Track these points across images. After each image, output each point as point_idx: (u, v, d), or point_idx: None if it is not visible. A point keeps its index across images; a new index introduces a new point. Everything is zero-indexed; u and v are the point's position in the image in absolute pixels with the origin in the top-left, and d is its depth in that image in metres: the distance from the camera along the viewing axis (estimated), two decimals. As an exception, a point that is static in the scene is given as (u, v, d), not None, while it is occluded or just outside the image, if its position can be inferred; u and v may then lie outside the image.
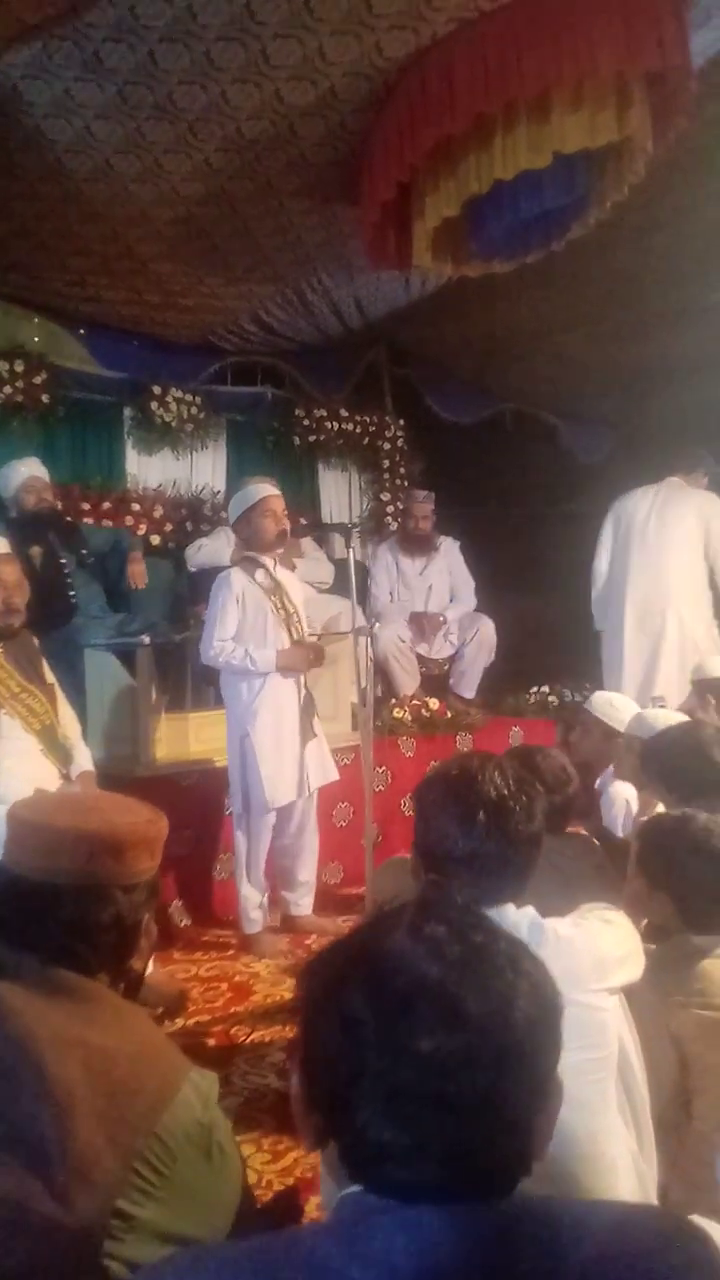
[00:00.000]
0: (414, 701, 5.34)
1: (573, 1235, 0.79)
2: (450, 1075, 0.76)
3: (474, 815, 1.53)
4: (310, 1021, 0.84)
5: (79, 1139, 1.04)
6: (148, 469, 6.03)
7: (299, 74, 3.55)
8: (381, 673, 5.51)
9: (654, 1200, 1.58)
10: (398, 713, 5.17)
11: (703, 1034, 1.75)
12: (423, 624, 5.66)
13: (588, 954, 1.51)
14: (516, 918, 1.52)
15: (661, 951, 1.89)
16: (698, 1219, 1.55)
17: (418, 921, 0.84)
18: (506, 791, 1.56)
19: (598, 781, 3.72)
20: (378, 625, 4.32)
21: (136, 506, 5.77)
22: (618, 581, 5.31)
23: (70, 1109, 1.06)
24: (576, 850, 2.41)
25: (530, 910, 1.55)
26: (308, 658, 3.89)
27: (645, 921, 2.02)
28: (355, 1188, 0.80)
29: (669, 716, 2.96)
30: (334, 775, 4.04)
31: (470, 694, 5.72)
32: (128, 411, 5.96)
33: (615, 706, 3.53)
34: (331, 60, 3.49)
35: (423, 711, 5.24)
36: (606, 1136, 1.45)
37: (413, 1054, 0.76)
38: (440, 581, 5.93)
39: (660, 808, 2.83)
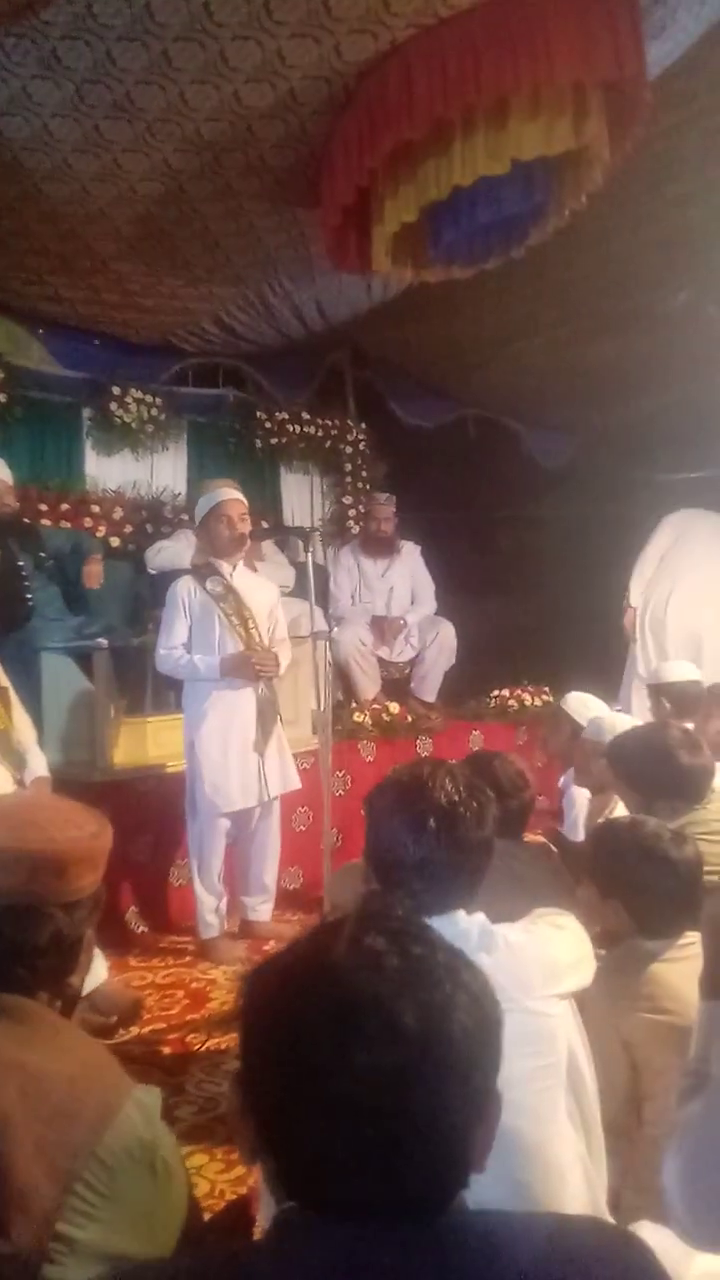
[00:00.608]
0: (374, 705, 5.35)
1: (509, 1248, 0.79)
2: (387, 1089, 0.75)
3: (424, 822, 1.53)
4: (248, 1033, 0.83)
5: (16, 1169, 1.02)
6: (107, 470, 5.97)
7: (258, 76, 3.54)
8: (342, 676, 5.51)
9: (604, 1206, 1.58)
10: (358, 716, 5.17)
11: (653, 1038, 1.76)
12: (384, 628, 5.66)
13: (537, 960, 1.51)
14: (467, 924, 1.52)
15: (612, 956, 1.90)
16: (648, 1225, 1.56)
17: (357, 934, 0.83)
18: (457, 798, 1.56)
19: (560, 780, 3.75)
20: (336, 629, 4.31)
21: (96, 508, 5.70)
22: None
23: (6, 1138, 1.03)
24: (532, 855, 2.41)
25: (480, 917, 1.55)
26: (252, 665, 3.82)
27: (598, 929, 2.03)
28: (290, 1204, 0.79)
29: (625, 721, 2.98)
30: (296, 783, 4.03)
31: (431, 698, 5.73)
32: (87, 412, 5.90)
33: (588, 706, 3.55)
34: (290, 63, 3.48)
35: (383, 715, 5.25)
36: (555, 1143, 1.45)
37: (349, 1067, 0.75)
38: (401, 584, 5.95)
39: (618, 811, 2.86)
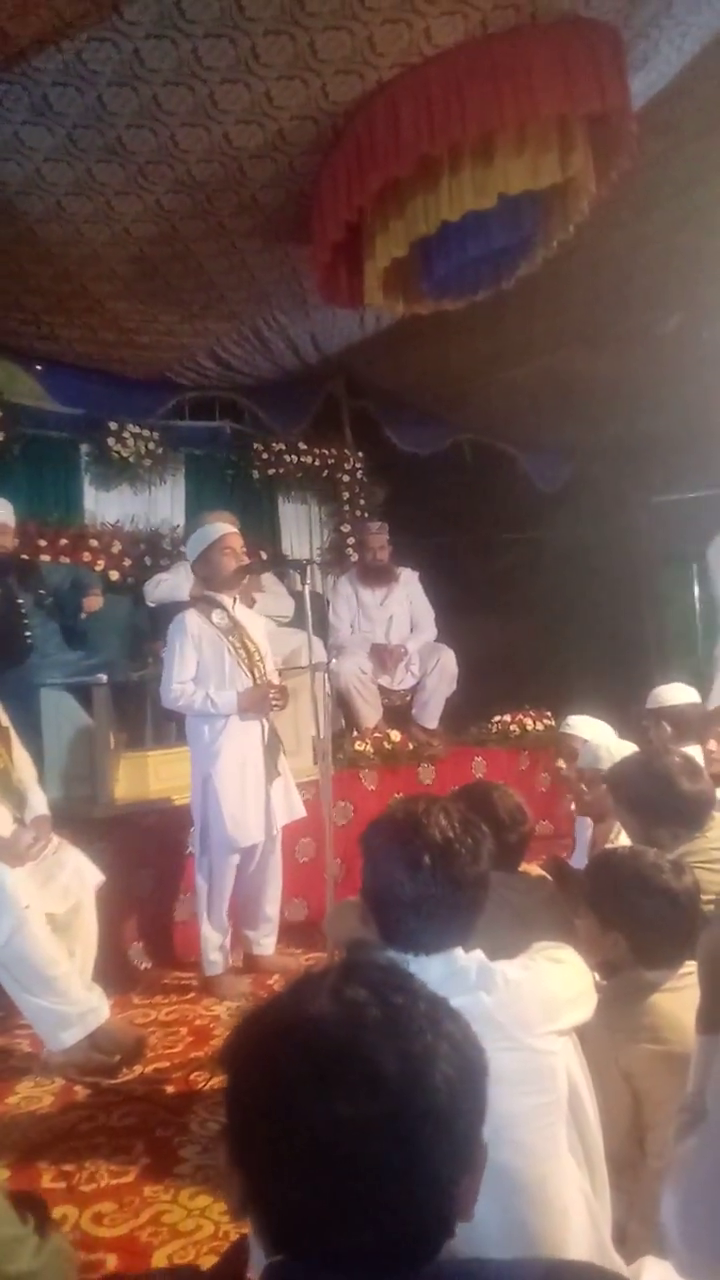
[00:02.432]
0: (376, 733, 5.34)
1: None
2: (370, 1140, 0.76)
3: (419, 859, 1.53)
4: (233, 1087, 0.84)
5: None
6: (106, 505, 6.02)
7: (247, 118, 3.60)
8: (344, 705, 5.51)
9: (608, 1241, 1.57)
10: (359, 745, 5.16)
11: (654, 1069, 1.75)
12: (384, 656, 5.67)
13: (536, 997, 1.51)
14: (465, 962, 1.52)
15: (612, 987, 1.90)
16: (651, 1259, 1.55)
17: (339, 985, 0.83)
18: (452, 834, 1.56)
19: (573, 806, 3.74)
20: (335, 660, 4.31)
21: (94, 543, 5.74)
22: None
23: None
24: (529, 886, 2.41)
25: (478, 954, 1.55)
26: (269, 699, 3.86)
27: (597, 960, 2.02)
28: (278, 1257, 0.80)
29: (624, 748, 2.98)
30: (300, 812, 4.02)
31: (433, 724, 5.73)
32: (85, 448, 5.96)
33: (591, 730, 3.54)
34: (279, 104, 3.54)
35: (384, 744, 5.24)
36: (557, 1181, 1.45)
37: (331, 1119, 0.76)
38: (401, 612, 5.95)
39: (621, 838, 2.85)
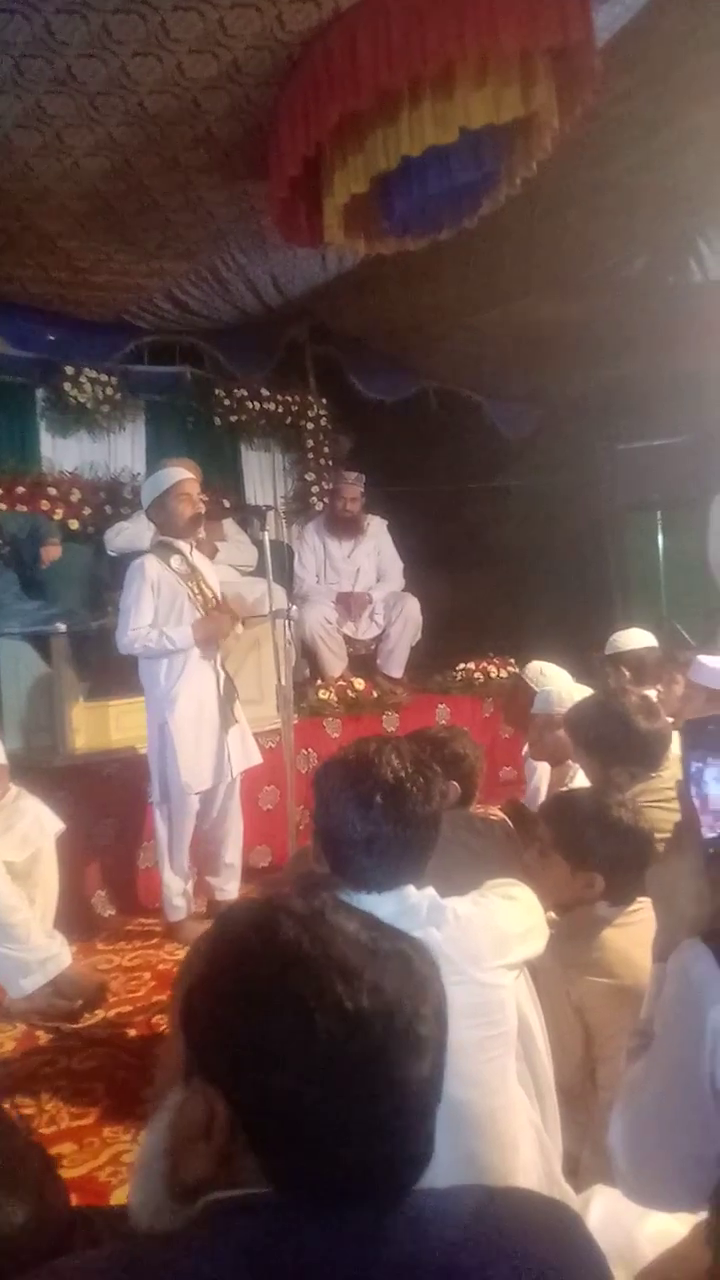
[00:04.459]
0: (340, 682, 5.34)
1: (436, 1225, 0.79)
2: (358, 1071, 0.76)
3: (371, 798, 1.53)
4: (220, 1009, 0.82)
5: None
6: (63, 452, 5.90)
7: (200, 47, 3.48)
8: (309, 654, 5.50)
9: (558, 1171, 1.61)
10: (323, 694, 5.16)
11: (605, 1003, 1.78)
12: (349, 604, 5.65)
13: (486, 932, 1.52)
14: (416, 899, 1.53)
15: (566, 922, 1.92)
16: (602, 1187, 1.58)
17: (350, 924, 0.84)
18: (404, 774, 1.56)
19: (524, 750, 3.77)
20: (296, 609, 4.29)
21: (53, 491, 5.63)
22: None
23: None
24: (485, 827, 2.42)
25: (430, 891, 1.56)
26: (224, 621, 3.83)
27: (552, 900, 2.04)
28: (244, 1191, 0.79)
29: (579, 691, 2.99)
30: (257, 759, 4.02)
31: (398, 673, 5.74)
32: (40, 393, 5.81)
33: (546, 675, 3.55)
34: (233, 33, 3.42)
35: (348, 692, 5.24)
36: (506, 1113, 1.47)
37: (322, 1048, 0.76)
38: (368, 563, 5.93)
39: (578, 780, 2.88)
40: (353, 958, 0.80)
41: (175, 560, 3.86)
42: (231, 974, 0.83)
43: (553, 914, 1.95)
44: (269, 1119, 0.78)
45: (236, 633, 4.04)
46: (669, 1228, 1.41)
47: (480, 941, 1.50)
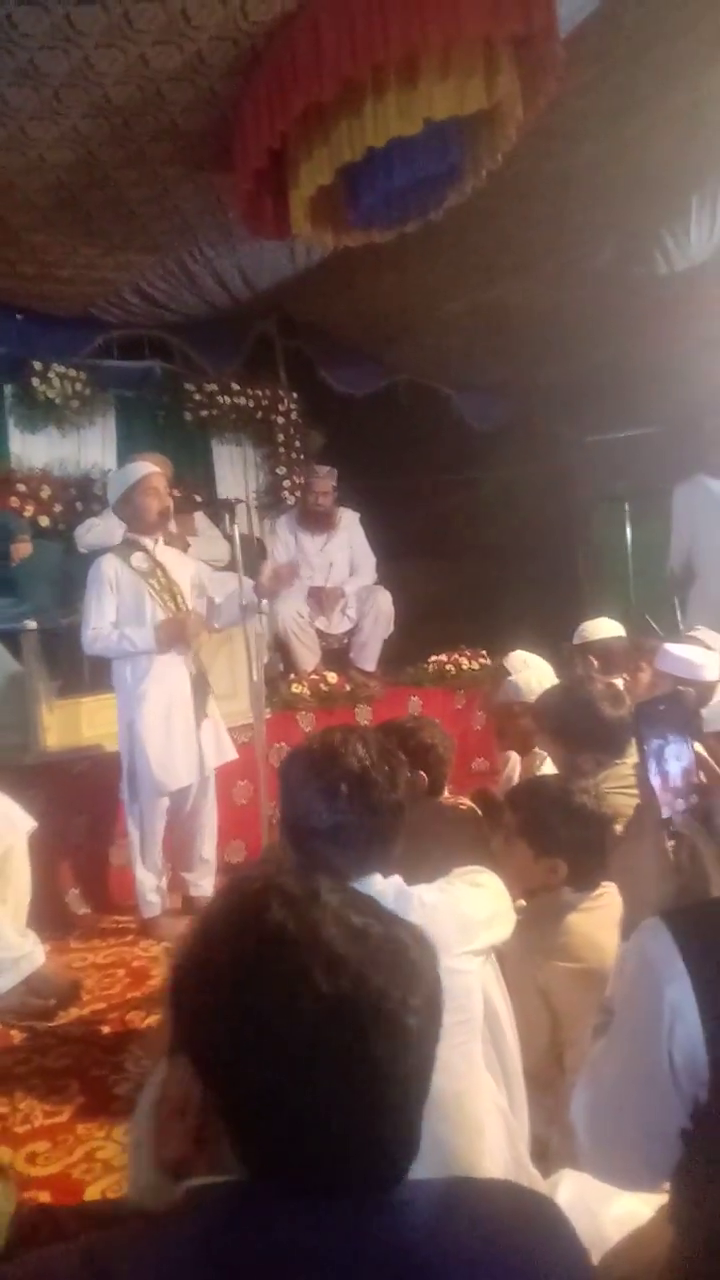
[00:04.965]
0: (313, 676, 5.34)
1: (435, 1218, 0.79)
2: (371, 1079, 0.76)
3: (337, 788, 1.53)
4: (217, 990, 0.81)
5: None
6: (32, 448, 5.85)
7: (164, 38, 3.45)
8: (282, 649, 5.49)
9: (525, 1155, 1.62)
10: (296, 688, 5.16)
11: (570, 986, 1.80)
12: (321, 598, 5.65)
13: (453, 918, 1.53)
14: (383, 886, 1.53)
15: (532, 908, 1.94)
16: (569, 1171, 1.60)
17: (341, 912, 0.83)
18: (369, 763, 1.56)
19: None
20: (266, 603, 4.27)
21: (22, 487, 5.59)
22: None
23: None
24: (454, 816, 2.43)
25: (396, 879, 1.56)
26: (187, 626, 3.80)
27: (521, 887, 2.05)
28: (224, 1179, 0.78)
29: (543, 682, 3.00)
30: (231, 754, 4.01)
31: (371, 666, 5.73)
32: (8, 389, 5.76)
33: (529, 665, 3.56)
34: (196, 24, 3.40)
35: (321, 685, 5.24)
36: (473, 1098, 1.48)
37: (335, 1046, 0.75)
38: (341, 557, 5.91)
39: (546, 767, 2.89)
40: (340, 943, 0.79)
41: (137, 558, 3.83)
42: (215, 950, 0.82)
43: (520, 901, 1.97)
44: (241, 1100, 0.77)
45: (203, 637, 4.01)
46: (635, 1210, 1.42)
47: (447, 928, 1.51)
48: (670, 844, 1.27)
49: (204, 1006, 0.81)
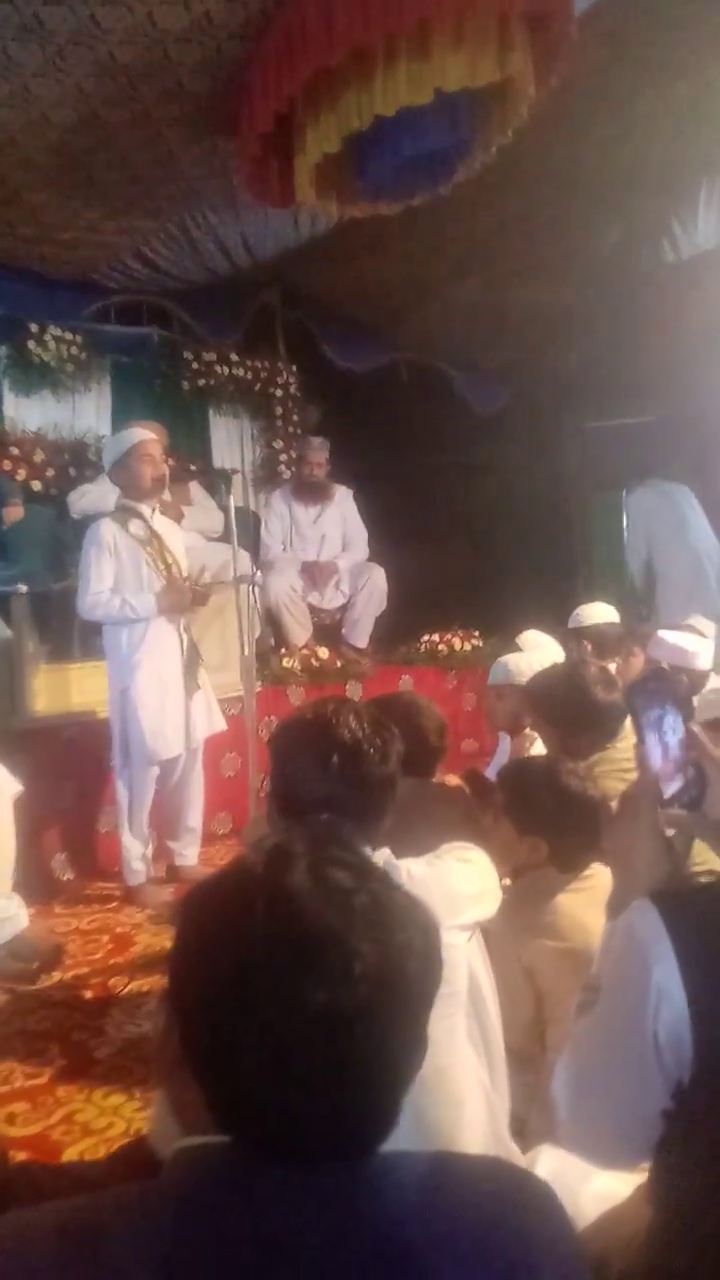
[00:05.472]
0: (304, 651, 5.33)
1: (419, 1192, 0.78)
2: (341, 1031, 0.73)
3: (328, 758, 1.52)
4: (188, 954, 0.80)
5: None
6: (26, 411, 5.78)
7: (171, -3, 3.40)
8: (273, 623, 5.48)
9: (504, 1130, 1.62)
10: (287, 662, 5.15)
11: (555, 965, 1.80)
12: (315, 573, 5.63)
13: (439, 892, 1.53)
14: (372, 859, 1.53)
15: (519, 886, 1.94)
16: (547, 1148, 1.60)
17: (318, 865, 0.80)
18: (361, 735, 1.55)
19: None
20: (259, 574, 4.25)
21: (15, 450, 5.53)
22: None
23: None
24: (444, 794, 2.43)
25: (385, 852, 1.56)
26: (187, 597, 3.80)
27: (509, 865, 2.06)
28: (190, 1140, 0.77)
29: (538, 663, 3.00)
30: (221, 725, 4.01)
31: (362, 643, 5.73)
32: (3, 350, 5.68)
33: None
34: (205, -17, 3.35)
35: (312, 661, 5.23)
36: (454, 1072, 1.48)
37: (305, 1006, 0.73)
38: (334, 530, 5.89)
39: (536, 749, 2.89)
40: (332, 916, 0.76)
41: (134, 525, 3.81)
42: (208, 908, 0.81)
43: (506, 880, 1.97)
44: (209, 1054, 0.76)
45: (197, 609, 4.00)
46: (612, 1188, 1.43)
47: (434, 901, 1.48)
48: (670, 831, 1.26)
49: (186, 958, 0.80)
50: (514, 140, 3.79)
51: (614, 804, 2.07)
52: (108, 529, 3.76)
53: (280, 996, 0.73)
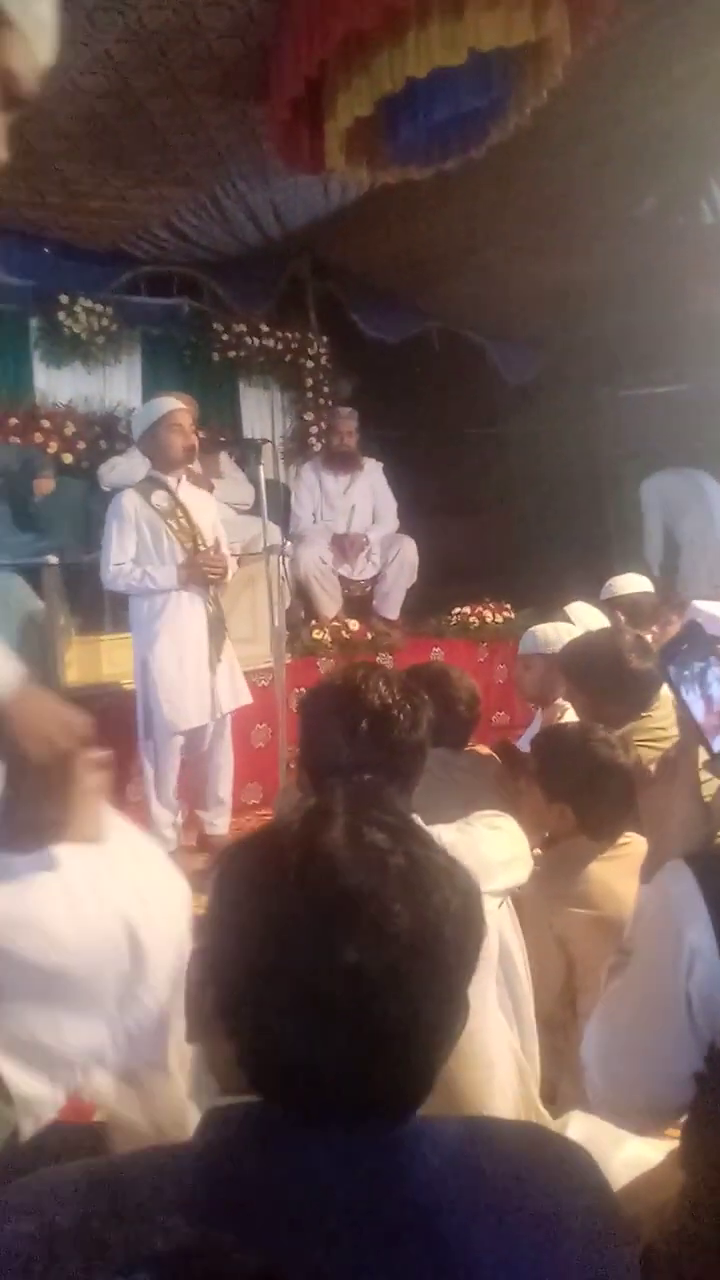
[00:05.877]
0: (335, 623, 5.32)
1: (454, 1155, 0.77)
2: (376, 992, 0.72)
3: (357, 724, 1.51)
4: (224, 910, 0.79)
5: None
6: (57, 384, 5.79)
7: (202, -42, 3.36)
8: (304, 595, 5.47)
9: (535, 1095, 1.62)
10: (317, 634, 5.14)
11: (587, 934, 1.79)
12: (344, 545, 5.61)
13: (470, 857, 1.50)
14: (401, 826, 1.52)
15: (552, 855, 1.93)
16: (578, 1114, 1.60)
17: (355, 825, 0.78)
18: (391, 700, 1.54)
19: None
20: (289, 545, 4.23)
21: (46, 423, 5.54)
22: None
23: None
24: (475, 764, 2.42)
25: (415, 818, 1.55)
26: (202, 568, 3.79)
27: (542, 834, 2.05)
28: (225, 1101, 0.77)
29: (563, 633, 2.96)
30: (246, 698, 4.02)
31: (393, 615, 5.71)
32: (34, 322, 5.69)
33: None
34: (235, -57, 3.30)
35: (343, 633, 5.23)
36: (484, 1035, 1.48)
37: (339, 965, 0.72)
38: (363, 502, 5.87)
39: (568, 718, 2.87)
40: (366, 875, 0.75)
41: (158, 496, 3.81)
42: (243, 864, 0.81)
43: (536, 850, 1.96)
44: (240, 1011, 0.76)
45: (227, 579, 4.00)
46: (644, 1154, 1.42)
47: (464, 867, 1.50)
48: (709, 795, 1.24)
49: (219, 902, 0.80)
50: (549, 100, 3.71)
51: (652, 768, 2.07)
52: (129, 500, 3.77)
53: (311, 955, 0.72)
